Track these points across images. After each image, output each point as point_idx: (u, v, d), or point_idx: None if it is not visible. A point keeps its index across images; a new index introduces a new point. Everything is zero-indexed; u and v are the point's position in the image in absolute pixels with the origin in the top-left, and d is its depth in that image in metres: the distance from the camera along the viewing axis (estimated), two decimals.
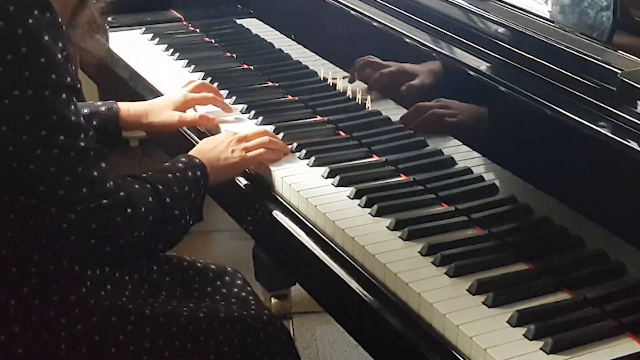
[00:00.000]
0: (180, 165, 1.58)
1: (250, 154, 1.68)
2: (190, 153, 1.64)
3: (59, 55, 1.36)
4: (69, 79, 1.37)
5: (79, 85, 1.42)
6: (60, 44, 1.37)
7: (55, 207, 1.37)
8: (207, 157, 1.63)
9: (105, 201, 1.39)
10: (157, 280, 1.70)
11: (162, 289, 1.69)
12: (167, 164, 1.59)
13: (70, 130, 1.37)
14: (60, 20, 1.38)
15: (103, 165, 1.41)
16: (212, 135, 1.80)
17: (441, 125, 1.69)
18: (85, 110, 1.77)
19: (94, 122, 1.77)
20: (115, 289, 1.58)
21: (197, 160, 1.60)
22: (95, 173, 1.39)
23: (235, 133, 1.72)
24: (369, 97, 1.86)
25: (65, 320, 1.48)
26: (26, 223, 1.44)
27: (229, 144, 1.68)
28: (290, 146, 1.75)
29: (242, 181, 1.71)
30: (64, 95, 1.36)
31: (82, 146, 1.38)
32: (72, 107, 1.38)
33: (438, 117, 1.69)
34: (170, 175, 1.54)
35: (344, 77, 1.94)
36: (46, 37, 1.34)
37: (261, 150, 1.69)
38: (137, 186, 1.47)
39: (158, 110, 1.85)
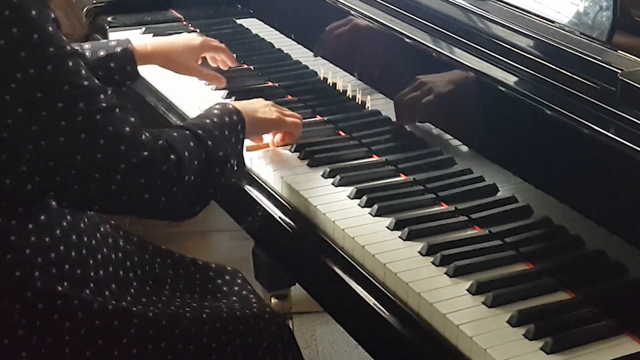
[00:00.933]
0: (215, 111, 1.58)
1: (287, 119, 1.72)
2: (226, 102, 1.65)
3: (51, 27, 1.34)
4: (68, 47, 1.35)
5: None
6: (51, 15, 1.35)
7: (98, 172, 1.36)
8: (243, 107, 1.64)
9: (146, 153, 1.38)
10: (160, 275, 1.70)
11: (165, 284, 1.69)
12: (201, 112, 1.60)
13: (87, 95, 1.35)
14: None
15: (132, 119, 1.39)
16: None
17: (441, 124, 1.69)
18: (102, 53, 1.79)
19: (112, 64, 1.79)
20: (120, 288, 1.58)
21: (231, 107, 1.61)
22: (128, 129, 1.37)
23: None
24: (369, 97, 1.86)
25: (69, 324, 1.47)
26: (27, 223, 1.43)
27: (267, 104, 1.72)
28: (289, 146, 1.75)
29: (242, 181, 1.71)
30: (70, 63, 1.34)
31: (104, 107, 1.36)
32: (82, 71, 1.36)
33: (438, 115, 1.69)
34: (207, 120, 1.54)
35: (343, 77, 1.94)
36: (33, 12, 1.32)
37: (297, 120, 1.73)
38: (175, 134, 1.46)
39: (175, 56, 1.92)
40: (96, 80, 1.38)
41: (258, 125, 1.67)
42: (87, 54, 1.78)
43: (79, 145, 1.34)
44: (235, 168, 1.56)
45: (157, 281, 1.68)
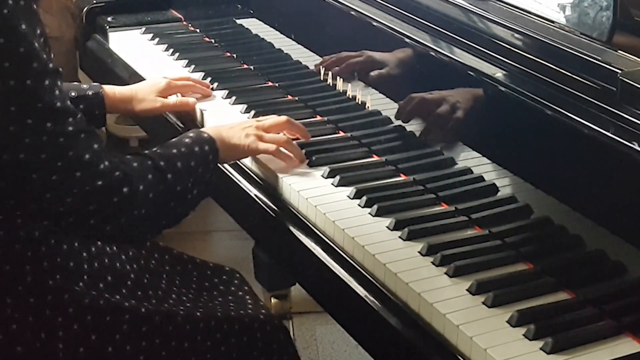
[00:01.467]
0: (187, 140, 1.57)
1: (260, 145, 1.67)
2: (203, 129, 1.64)
3: (37, 42, 1.35)
4: (50, 65, 1.36)
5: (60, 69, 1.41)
6: (38, 30, 1.36)
7: (50, 193, 1.37)
8: (218, 134, 1.62)
9: (100, 182, 1.39)
10: (157, 271, 1.70)
11: (162, 278, 1.69)
12: (174, 139, 1.59)
13: (57, 116, 1.36)
14: (34, 6, 1.37)
15: (95, 146, 1.40)
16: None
17: (441, 124, 1.69)
18: (73, 94, 1.79)
19: (81, 106, 1.77)
20: (116, 280, 1.58)
21: (205, 135, 1.60)
22: (88, 156, 1.39)
23: (257, 120, 1.72)
24: (369, 97, 1.86)
25: (61, 320, 1.48)
26: (22, 217, 1.44)
27: (246, 128, 1.68)
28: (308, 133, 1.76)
29: (242, 181, 1.71)
30: (47, 82, 1.35)
31: (70, 130, 1.37)
32: (57, 92, 1.37)
33: (438, 116, 1.69)
34: (175, 150, 1.54)
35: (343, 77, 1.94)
36: (23, 26, 1.33)
37: (271, 146, 1.67)
38: (135, 164, 1.46)
39: (142, 96, 1.90)
40: (69, 103, 1.39)
41: (232, 153, 1.65)
42: None
43: (38, 164, 1.36)
44: (200, 198, 1.55)
45: (153, 275, 1.68)
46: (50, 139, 1.36)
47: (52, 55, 1.42)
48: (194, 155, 1.55)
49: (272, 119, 1.73)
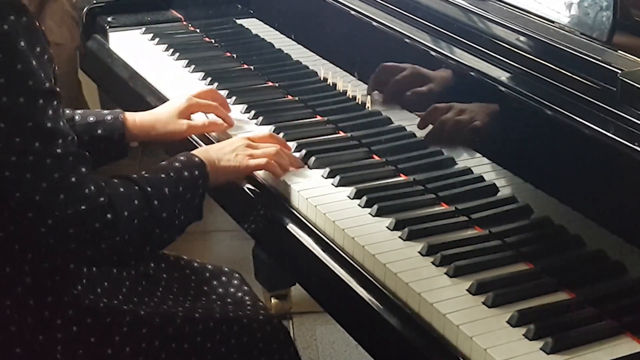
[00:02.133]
0: (177, 164, 1.55)
1: (251, 162, 1.64)
2: (193, 151, 1.62)
3: (35, 61, 1.35)
4: (47, 84, 1.36)
5: (58, 89, 1.40)
6: (38, 48, 1.36)
7: (32, 212, 1.37)
8: (209, 156, 1.61)
9: (83, 207, 1.38)
10: (154, 277, 1.70)
11: (159, 285, 1.69)
12: (164, 162, 1.57)
13: (46, 137, 1.36)
14: (37, 23, 1.37)
15: (83, 170, 1.40)
16: (219, 141, 1.77)
17: (444, 129, 1.69)
18: (91, 119, 1.75)
19: (99, 131, 1.75)
20: (113, 286, 1.58)
21: (196, 159, 1.58)
22: (74, 179, 1.38)
23: (246, 138, 1.69)
24: (369, 97, 1.86)
25: (60, 322, 1.48)
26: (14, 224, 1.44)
27: (236, 148, 1.65)
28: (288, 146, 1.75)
29: (242, 181, 1.71)
30: (41, 101, 1.35)
31: (58, 152, 1.37)
32: (50, 112, 1.36)
33: (442, 122, 1.69)
34: (163, 175, 1.52)
35: (343, 77, 1.94)
36: (22, 43, 1.33)
37: (261, 161, 1.65)
38: (122, 189, 1.45)
39: (165, 121, 1.81)
40: (61, 124, 1.38)
41: (223, 175, 1.63)
42: (77, 117, 1.75)
43: (22, 183, 1.35)
44: (188, 223, 1.54)
45: (150, 281, 1.68)
46: (37, 159, 1.35)
47: (55, 70, 1.42)
48: (183, 180, 1.53)
49: (259, 135, 1.72)
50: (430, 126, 1.71)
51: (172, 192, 1.50)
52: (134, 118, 1.80)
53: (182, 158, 1.58)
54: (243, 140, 1.68)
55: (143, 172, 1.53)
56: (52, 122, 1.36)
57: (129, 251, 1.47)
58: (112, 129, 1.76)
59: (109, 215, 1.41)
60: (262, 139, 1.71)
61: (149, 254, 1.53)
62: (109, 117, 1.77)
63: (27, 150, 1.35)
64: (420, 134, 1.73)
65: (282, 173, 1.65)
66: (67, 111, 1.65)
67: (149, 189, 1.47)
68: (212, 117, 1.85)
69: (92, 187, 1.40)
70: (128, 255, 1.48)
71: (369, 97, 1.86)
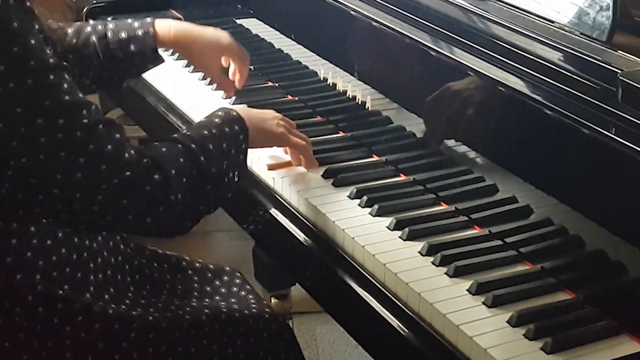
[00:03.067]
0: (217, 120, 1.51)
1: (292, 137, 1.65)
2: (231, 107, 1.59)
3: (34, 39, 1.29)
4: (51, 60, 1.31)
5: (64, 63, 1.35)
6: (35, 27, 1.30)
7: (79, 192, 1.32)
8: (249, 114, 1.57)
9: (128, 173, 1.33)
10: (158, 280, 1.69)
11: (163, 289, 1.68)
12: (203, 119, 1.54)
13: (68, 111, 1.30)
14: (28, 3, 1.31)
15: (117, 136, 1.34)
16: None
17: (441, 123, 1.69)
18: (123, 35, 1.74)
19: (132, 47, 1.73)
20: (118, 292, 1.57)
21: (234, 113, 1.54)
22: (110, 147, 1.33)
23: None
24: (369, 97, 1.86)
25: (69, 329, 1.47)
26: (29, 226, 1.42)
27: (276, 117, 1.64)
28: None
29: (241, 181, 1.71)
30: (51, 77, 1.30)
31: (85, 123, 1.31)
32: (65, 85, 1.31)
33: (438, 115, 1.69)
34: (205, 132, 1.48)
35: (343, 77, 1.94)
36: (15, 24, 1.27)
37: (300, 141, 1.66)
38: (164, 149, 1.40)
39: (199, 49, 1.81)
40: (80, 95, 1.33)
41: (261, 137, 1.59)
42: (109, 34, 1.73)
43: (59, 163, 1.30)
44: (236, 179, 1.51)
45: (154, 286, 1.67)
46: (67, 135, 1.30)
47: (55, 49, 1.37)
48: (225, 136, 1.49)
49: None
50: (430, 126, 1.71)
51: (217, 148, 1.47)
52: (168, 29, 1.77)
53: (220, 113, 1.54)
54: (281, 115, 1.67)
55: (184, 131, 1.50)
56: (70, 95, 1.31)
57: (184, 213, 1.41)
58: (144, 43, 1.75)
59: (156, 176, 1.36)
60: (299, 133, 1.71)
61: (204, 213, 1.46)
62: (140, 32, 1.75)
63: (54, 129, 1.29)
64: (420, 134, 1.73)
65: (309, 163, 1.67)
66: (99, 27, 1.64)
67: (193, 145, 1.43)
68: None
69: (132, 152, 1.35)
70: (185, 217, 1.43)
71: (369, 97, 1.86)
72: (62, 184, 1.31)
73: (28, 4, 1.32)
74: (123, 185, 1.33)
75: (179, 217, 1.42)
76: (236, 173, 1.50)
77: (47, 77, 1.30)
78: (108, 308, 1.51)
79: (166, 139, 1.45)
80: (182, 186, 1.39)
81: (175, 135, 1.47)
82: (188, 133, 1.48)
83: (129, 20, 1.78)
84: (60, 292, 1.45)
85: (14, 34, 1.27)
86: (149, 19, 1.78)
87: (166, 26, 1.77)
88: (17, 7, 1.29)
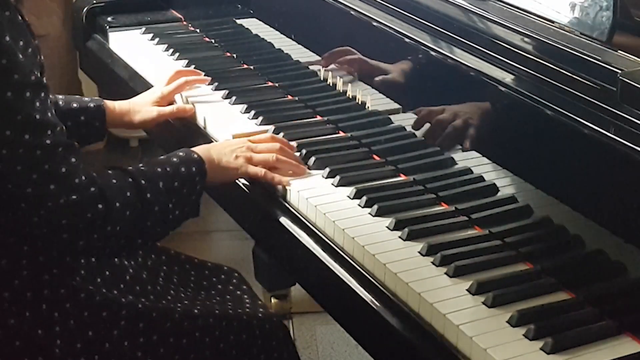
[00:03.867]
0: (175, 159, 1.56)
1: (250, 169, 1.64)
2: (194, 148, 1.63)
3: (21, 54, 1.36)
4: (33, 77, 1.37)
5: (44, 81, 1.42)
6: (21, 42, 1.37)
7: (24, 204, 1.38)
8: (209, 154, 1.61)
9: (74, 197, 1.40)
10: (155, 269, 1.70)
11: (159, 277, 1.70)
12: (162, 157, 1.58)
13: (35, 129, 1.37)
14: (21, 17, 1.38)
15: (73, 160, 1.41)
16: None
17: (444, 129, 1.69)
18: (75, 105, 1.81)
19: (82, 118, 1.80)
20: (115, 275, 1.58)
21: (194, 156, 1.59)
22: (64, 169, 1.39)
23: (250, 140, 1.69)
24: (369, 97, 1.86)
25: (57, 315, 1.48)
26: (7, 213, 1.44)
27: (236, 150, 1.66)
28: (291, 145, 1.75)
29: (242, 181, 1.71)
30: (28, 94, 1.36)
31: (47, 143, 1.38)
32: (38, 104, 1.38)
33: (442, 122, 1.69)
34: (159, 169, 1.53)
35: (343, 77, 1.94)
36: (7, 38, 1.34)
37: (260, 172, 1.64)
38: (114, 180, 1.46)
39: (138, 108, 1.90)
40: (49, 115, 1.40)
41: (220, 174, 1.63)
42: (60, 103, 1.79)
43: (13, 175, 1.37)
44: (183, 218, 1.55)
45: (152, 273, 1.69)
46: (27, 151, 1.37)
47: (42, 61, 1.43)
48: (180, 175, 1.54)
49: (262, 137, 1.72)
50: (430, 126, 1.71)
51: (167, 186, 1.51)
52: (113, 106, 1.88)
53: (180, 154, 1.59)
54: (244, 142, 1.68)
55: (139, 165, 1.54)
56: (41, 114, 1.38)
57: (120, 242, 1.47)
58: (93, 116, 1.84)
59: (100, 206, 1.42)
60: (263, 140, 1.71)
61: (141, 247, 1.54)
62: (91, 105, 1.84)
63: (17, 143, 1.36)
64: (420, 134, 1.73)
65: (279, 182, 1.64)
66: (50, 96, 1.67)
67: (143, 181, 1.48)
68: (179, 101, 1.96)
69: (83, 177, 1.41)
70: (119, 247, 1.49)
71: (369, 97, 1.86)
72: (11, 193, 1.38)
73: (20, 18, 1.38)
74: (67, 207, 1.40)
75: (113, 246, 1.48)
76: (184, 211, 1.54)
77: (25, 93, 1.36)
78: (96, 294, 1.53)
79: (119, 170, 1.50)
80: (123, 219, 1.45)
81: (130, 168, 1.52)
82: (143, 168, 1.53)
83: (78, 97, 1.88)
84: (47, 276, 1.48)
85: (5, 47, 1.34)
86: (98, 98, 1.88)
87: (111, 103, 1.88)
88: (12, 21, 1.35)
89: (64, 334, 1.49)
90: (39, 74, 1.41)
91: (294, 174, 1.66)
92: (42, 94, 1.39)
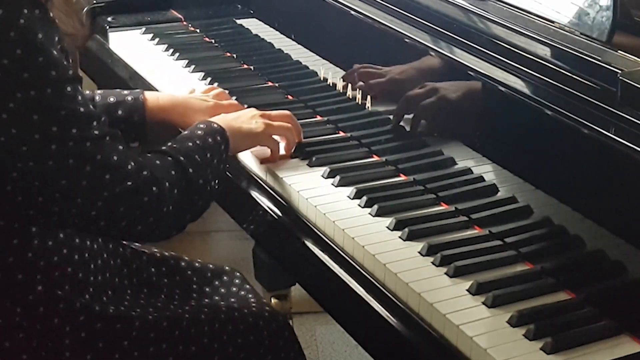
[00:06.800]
0: (199, 132, 1.57)
1: (273, 124, 1.69)
2: (211, 119, 1.64)
3: (55, 50, 1.35)
4: (70, 72, 1.37)
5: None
6: (55, 38, 1.36)
7: (80, 198, 1.37)
8: (228, 123, 1.63)
9: (129, 183, 1.39)
10: (156, 283, 1.69)
11: (161, 292, 1.69)
12: (185, 132, 1.59)
13: (81, 122, 1.36)
14: (51, 14, 1.37)
15: (121, 148, 1.41)
16: None
17: (441, 124, 1.69)
18: (112, 99, 1.76)
19: (120, 112, 1.75)
20: (115, 294, 1.57)
21: (215, 125, 1.60)
22: (115, 157, 1.39)
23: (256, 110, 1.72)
24: (369, 97, 1.86)
25: (69, 328, 1.47)
26: (30, 226, 1.43)
27: (253, 116, 1.69)
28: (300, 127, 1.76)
29: (242, 181, 1.71)
30: (68, 89, 1.36)
31: (96, 134, 1.38)
32: (79, 97, 1.37)
33: (438, 116, 1.69)
34: (190, 144, 1.53)
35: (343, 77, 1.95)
36: (40, 35, 1.33)
37: (284, 125, 1.70)
38: (158, 162, 1.46)
39: (190, 111, 1.79)
40: (91, 107, 1.40)
41: (243, 141, 1.66)
42: (97, 97, 1.76)
43: (66, 170, 1.36)
44: (217, 187, 1.56)
45: (152, 289, 1.68)
46: (77, 144, 1.36)
47: (71, 61, 1.43)
48: (209, 146, 1.55)
49: (275, 112, 1.75)
50: (431, 126, 1.71)
51: (202, 159, 1.52)
52: (156, 97, 1.80)
53: (202, 126, 1.60)
54: (257, 110, 1.72)
55: (170, 143, 1.54)
56: (84, 107, 1.37)
57: (171, 222, 1.48)
58: (132, 110, 1.77)
59: (154, 188, 1.42)
60: (282, 116, 1.74)
61: (189, 222, 1.52)
62: (129, 98, 1.77)
63: (66, 138, 1.35)
64: (421, 134, 1.73)
65: (290, 147, 1.71)
66: (87, 92, 1.66)
67: (182, 158, 1.49)
68: None
69: (133, 163, 1.41)
70: (171, 226, 1.49)
71: (369, 97, 1.86)
72: (65, 189, 1.37)
73: (51, 14, 1.37)
74: (123, 195, 1.39)
75: (167, 226, 1.48)
76: (217, 181, 1.56)
77: (65, 88, 1.36)
78: (108, 308, 1.51)
79: (156, 151, 1.50)
80: (173, 198, 1.45)
81: (164, 148, 1.52)
82: (175, 145, 1.53)
83: (118, 90, 1.80)
84: (60, 292, 1.46)
85: (39, 45, 1.33)
86: (138, 90, 1.80)
87: (153, 95, 1.80)
88: (43, 19, 1.34)
89: (74, 346, 1.48)
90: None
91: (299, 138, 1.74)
92: (80, 88, 1.39)
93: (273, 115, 1.73)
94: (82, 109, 1.37)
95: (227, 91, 1.91)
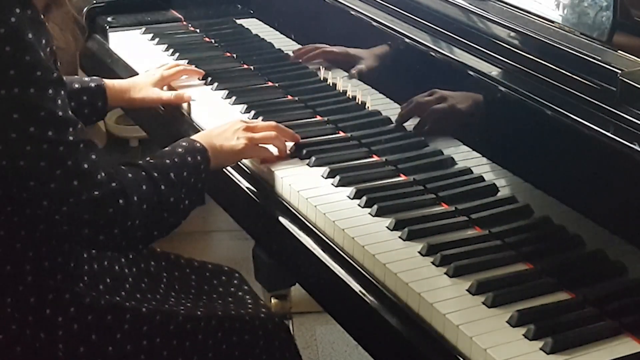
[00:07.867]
0: (180, 150, 1.58)
1: (254, 150, 1.67)
2: (194, 136, 1.64)
3: (42, 52, 1.36)
4: (54, 74, 1.38)
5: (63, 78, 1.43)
6: (43, 40, 1.38)
7: (47, 201, 1.38)
8: (210, 141, 1.63)
9: (96, 192, 1.40)
10: (156, 276, 1.70)
11: (161, 282, 1.70)
12: (167, 148, 1.59)
13: (58, 125, 1.37)
14: (42, 16, 1.39)
15: (93, 157, 1.41)
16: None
17: (441, 124, 1.69)
18: (76, 86, 1.82)
19: (84, 97, 1.83)
20: (115, 283, 1.58)
21: (197, 144, 1.60)
22: (86, 165, 1.40)
23: (244, 121, 1.72)
24: (369, 97, 1.86)
25: (61, 320, 1.48)
26: (20, 218, 1.44)
27: (236, 131, 1.68)
28: (290, 145, 1.75)
29: (242, 181, 1.71)
30: (50, 91, 1.37)
31: (70, 140, 1.38)
32: (60, 101, 1.38)
33: (438, 116, 1.69)
34: (168, 161, 1.54)
35: (343, 77, 1.94)
36: (30, 35, 1.34)
37: (268, 135, 1.69)
38: (130, 175, 1.47)
39: (139, 88, 1.94)
40: (70, 113, 1.41)
41: (225, 158, 1.66)
42: None
43: (37, 172, 1.37)
44: (191, 207, 1.56)
45: (152, 279, 1.69)
46: (51, 147, 1.37)
47: (58, 64, 1.44)
48: (187, 165, 1.55)
49: (261, 123, 1.74)
50: (430, 126, 1.71)
51: (178, 177, 1.52)
52: (113, 84, 1.91)
53: (184, 144, 1.60)
54: (241, 123, 1.70)
55: (147, 158, 1.55)
56: (63, 111, 1.39)
57: (137, 236, 1.48)
58: (95, 95, 1.86)
59: (121, 201, 1.43)
60: (267, 127, 1.73)
61: (156, 238, 1.53)
62: (92, 85, 1.87)
63: (41, 139, 1.36)
64: (421, 134, 1.73)
65: (282, 154, 1.70)
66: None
67: (156, 174, 1.49)
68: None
69: (104, 174, 1.42)
70: (137, 240, 1.49)
71: (369, 97, 1.86)
72: (34, 190, 1.38)
73: (42, 16, 1.38)
74: (89, 203, 1.40)
75: (132, 239, 1.48)
76: (193, 199, 1.55)
77: (48, 89, 1.37)
78: (101, 299, 1.53)
79: (131, 165, 1.51)
80: (141, 212, 1.46)
81: (140, 162, 1.52)
82: (152, 161, 1.54)
83: (79, 77, 1.92)
84: (52, 282, 1.47)
85: (28, 44, 1.34)
86: (97, 77, 1.91)
87: (111, 82, 1.92)
88: (33, 19, 1.36)
89: (67, 338, 1.49)
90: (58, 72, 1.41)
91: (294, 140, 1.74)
92: (62, 92, 1.40)
93: (258, 127, 1.71)
94: (60, 113, 1.38)
95: (181, 62, 2.06)
